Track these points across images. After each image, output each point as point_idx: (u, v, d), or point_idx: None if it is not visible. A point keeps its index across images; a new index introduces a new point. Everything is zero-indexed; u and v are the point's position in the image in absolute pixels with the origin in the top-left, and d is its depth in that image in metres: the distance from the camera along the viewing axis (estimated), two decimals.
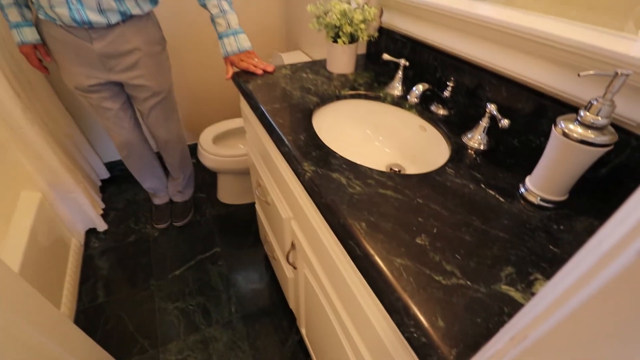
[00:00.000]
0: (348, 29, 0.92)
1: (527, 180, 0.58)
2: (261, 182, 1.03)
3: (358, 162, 0.65)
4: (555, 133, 0.51)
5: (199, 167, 1.95)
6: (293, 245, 0.85)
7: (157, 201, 1.66)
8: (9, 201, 1.21)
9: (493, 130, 0.73)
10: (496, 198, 0.57)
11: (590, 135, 0.47)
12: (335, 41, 0.97)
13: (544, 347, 0.16)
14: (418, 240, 0.49)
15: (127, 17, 1.06)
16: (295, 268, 0.91)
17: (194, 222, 1.65)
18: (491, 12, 0.70)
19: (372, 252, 0.47)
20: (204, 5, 1.05)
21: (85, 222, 1.55)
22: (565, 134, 0.49)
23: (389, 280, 0.44)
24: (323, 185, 0.59)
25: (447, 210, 0.54)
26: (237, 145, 1.71)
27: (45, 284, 1.16)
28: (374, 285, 0.45)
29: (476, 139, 0.70)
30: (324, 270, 0.70)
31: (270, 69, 1.01)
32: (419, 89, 0.73)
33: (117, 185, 1.85)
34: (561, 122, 0.50)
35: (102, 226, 1.57)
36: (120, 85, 1.23)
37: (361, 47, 1.20)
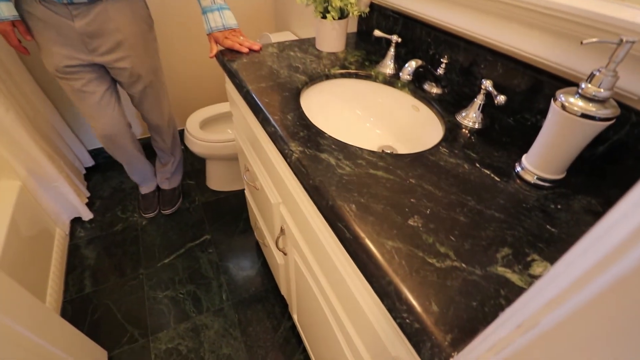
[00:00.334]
0: (337, 2, 0.87)
1: (524, 158, 0.56)
2: (249, 166, 0.99)
3: (348, 143, 0.62)
4: (554, 107, 0.48)
5: (187, 153, 1.90)
6: (282, 231, 0.82)
7: (144, 190, 1.61)
8: None
9: (488, 108, 0.70)
10: (491, 177, 0.55)
11: (591, 108, 0.45)
12: (324, 17, 0.92)
13: (560, 337, 0.13)
14: (411, 222, 0.46)
15: None
16: (285, 254, 0.89)
17: (182, 210, 1.61)
18: None
19: (362, 234, 0.45)
20: None
21: (69, 212, 1.50)
22: (564, 108, 0.46)
23: (379, 264, 0.41)
24: (311, 166, 0.56)
25: (440, 190, 0.52)
26: (225, 130, 1.66)
27: (29, 275, 1.12)
28: (364, 269, 0.43)
29: (471, 117, 0.67)
30: (313, 255, 0.68)
31: (256, 47, 0.96)
32: (411, 65, 0.70)
33: (102, 173, 1.79)
34: (561, 95, 0.48)
35: (87, 215, 1.53)
36: (104, 68, 1.16)
37: (352, 25, 1.15)
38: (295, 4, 1.58)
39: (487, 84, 0.65)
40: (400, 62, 0.89)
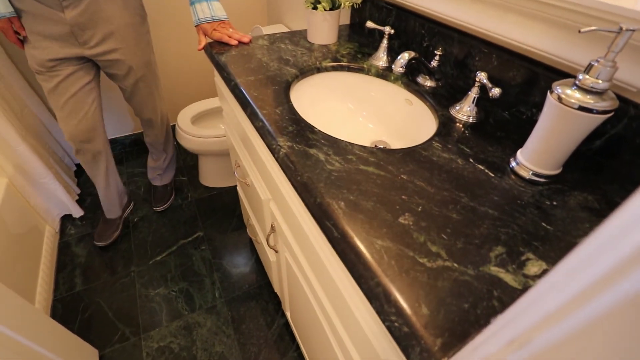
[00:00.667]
0: None
1: (519, 153, 0.54)
2: (240, 162, 0.97)
3: (339, 138, 0.59)
4: (550, 100, 0.46)
5: (179, 149, 1.87)
6: (273, 228, 0.81)
7: (112, 213, 1.41)
8: None
9: (483, 102, 0.68)
10: (485, 173, 0.53)
11: (589, 100, 0.43)
12: (315, 8, 0.89)
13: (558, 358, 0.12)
14: (401, 220, 0.45)
15: None
16: (276, 252, 0.87)
17: (175, 206, 1.59)
18: None
19: (350, 233, 0.43)
20: None
21: (59, 209, 1.47)
22: (561, 100, 0.44)
23: (368, 264, 0.40)
24: (299, 162, 0.54)
25: (433, 186, 0.50)
26: (217, 126, 1.63)
27: (18, 274, 1.09)
28: (353, 269, 0.41)
29: (465, 111, 0.65)
30: (304, 254, 0.66)
31: (246, 39, 0.93)
32: (404, 57, 0.67)
33: None
34: (557, 87, 0.46)
35: (77, 212, 1.50)
36: (92, 62, 1.13)
37: (345, 17, 1.12)
38: None
39: (482, 76, 0.63)
40: (393, 55, 0.86)
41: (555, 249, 0.42)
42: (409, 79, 0.79)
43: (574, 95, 0.44)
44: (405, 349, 0.34)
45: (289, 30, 1.61)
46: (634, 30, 0.39)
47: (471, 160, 0.56)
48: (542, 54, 0.59)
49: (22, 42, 1.04)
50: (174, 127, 1.81)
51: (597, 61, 0.42)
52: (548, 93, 0.47)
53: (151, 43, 1.22)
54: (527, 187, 0.51)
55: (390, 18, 0.93)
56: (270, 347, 1.12)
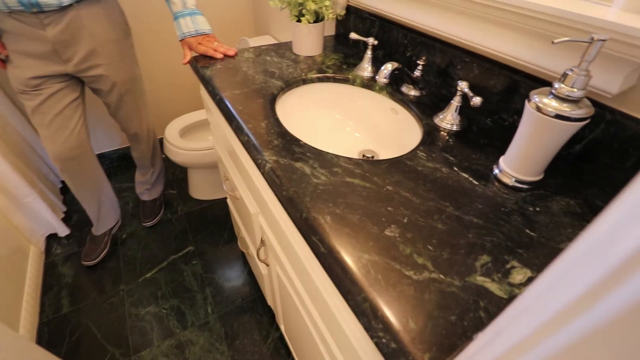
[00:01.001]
0: (312, 5, 0.86)
1: (501, 160, 0.55)
2: (228, 175, 0.96)
3: (326, 150, 0.60)
4: (529, 108, 0.47)
5: (168, 162, 1.85)
6: (263, 242, 0.80)
7: (99, 229, 1.38)
8: None
9: (465, 109, 0.69)
10: (470, 181, 0.54)
11: (565, 108, 0.44)
12: (299, 20, 0.90)
13: None
14: (387, 232, 0.45)
15: None
16: (267, 265, 0.86)
17: (164, 221, 1.56)
18: None
19: (337, 248, 0.43)
20: None
21: (44, 228, 1.44)
22: (539, 109, 0.45)
23: (355, 279, 0.39)
24: (285, 176, 0.53)
25: (418, 197, 0.50)
26: (206, 138, 1.62)
27: (1, 297, 1.06)
28: (340, 285, 0.41)
29: (448, 120, 0.66)
30: (293, 268, 0.66)
31: (231, 52, 0.94)
32: (387, 68, 0.68)
33: None
34: (535, 96, 0.47)
35: (64, 231, 1.47)
36: (76, 79, 1.11)
37: (330, 29, 1.14)
38: (274, 7, 1.56)
39: (463, 85, 0.64)
40: (378, 65, 0.87)
41: (539, 255, 0.43)
42: (393, 89, 0.79)
43: (551, 104, 0.45)
44: None
45: (276, 41, 1.62)
46: (604, 40, 0.40)
47: (455, 168, 0.56)
48: (521, 63, 0.60)
49: (4, 61, 1.02)
50: (161, 140, 1.79)
51: (572, 70, 0.44)
52: (526, 102, 0.48)
53: (136, 57, 1.21)
54: (511, 194, 0.52)
55: (373, 29, 0.95)
56: None
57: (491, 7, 0.59)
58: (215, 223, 1.56)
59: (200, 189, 1.66)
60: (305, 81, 0.85)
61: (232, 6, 1.74)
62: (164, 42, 1.65)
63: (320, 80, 0.86)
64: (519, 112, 0.64)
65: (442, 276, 0.40)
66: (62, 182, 1.70)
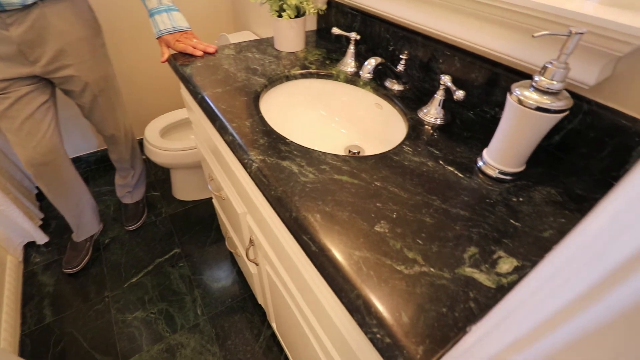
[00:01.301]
0: (292, 0, 0.84)
1: (485, 152, 0.56)
2: (213, 175, 0.95)
3: (312, 147, 0.59)
4: (510, 101, 0.48)
5: (149, 163, 1.80)
6: (252, 241, 0.79)
7: (80, 236, 1.34)
8: None
9: (449, 103, 0.70)
10: (455, 174, 0.54)
11: (546, 101, 0.45)
12: (280, 16, 0.89)
13: None
14: (377, 228, 0.45)
15: None
16: (257, 264, 0.86)
17: (148, 224, 1.53)
18: None
19: (328, 246, 0.43)
20: None
21: (21, 236, 1.38)
22: (520, 102, 0.46)
23: (347, 276, 0.40)
24: (272, 176, 0.53)
25: (406, 191, 0.51)
26: (188, 137, 1.58)
27: None
28: (332, 282, 0.41)
29: (432, 114, 0.67)
30: (284, 267, 0.65)
31: (211, 49, 0.91)
32: (370, 63, 0.68)
33: None
34: (516, 89, 0.48)
35: (42, 239, 1.41)
36: (45, 80, 1.06)
37: (312, 23, 1.13)
38: (254, 2, 1.53)
39: (446, 79, 0.65)
40: (361, 60, 0.87)
41: (524, 244, 0.44)
42: (377, 84, 0.80)
43: (532, 97, 0.46)
44: (388, 359, 0.34)
45: (256, 37, 1.60)
46: (582, 33, 0.41)
47: (441, 162, 0.57)
48: (501, 56, 0.61)
49: None
50: (141, 141, 1.74)
51: (551, 63, 0.45)
52: (508, 95, 0.49)
53: (108, 56, 1.17)
54: (495, 185, 0.53)
55: (355, 23, 0.94)
56: None
57: (472, 0, 0.59)
58: (201, 224, 1.53)
59: (183, 190, 1.63)
60: (288, 78, 0.84)
61: (210, 1, 1.70)
62: (140, 39, 1.60)
63: (303, 76, 0.85)
64: (500, 105, 0.65)
65: (432, 269, 0.40)
66: (38, 188, 1.64)
